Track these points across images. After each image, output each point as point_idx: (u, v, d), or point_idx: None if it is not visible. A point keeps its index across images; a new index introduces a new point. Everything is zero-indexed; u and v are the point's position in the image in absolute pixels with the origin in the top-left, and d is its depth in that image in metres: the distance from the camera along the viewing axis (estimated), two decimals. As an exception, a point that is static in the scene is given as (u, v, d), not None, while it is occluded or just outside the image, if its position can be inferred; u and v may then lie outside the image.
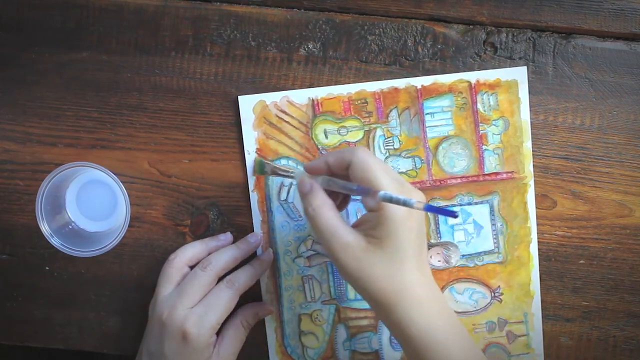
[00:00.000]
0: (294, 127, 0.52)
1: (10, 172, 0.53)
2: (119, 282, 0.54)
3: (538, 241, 0.53)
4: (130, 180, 0.53)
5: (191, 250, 0.50)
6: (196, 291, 0.48)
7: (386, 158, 0.52)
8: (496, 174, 0.52)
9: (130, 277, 0.54)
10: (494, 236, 0.53)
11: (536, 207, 0.52)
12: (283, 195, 0.53)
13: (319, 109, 0.52)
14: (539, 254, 0.53)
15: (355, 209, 0.53)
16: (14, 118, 0.53)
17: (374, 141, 0.52)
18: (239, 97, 0.52)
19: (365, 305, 0.53)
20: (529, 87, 0.52)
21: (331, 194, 0.44)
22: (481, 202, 0.52)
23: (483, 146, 0.52)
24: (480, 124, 0.52)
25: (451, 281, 0.53)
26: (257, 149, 0.52)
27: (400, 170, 0.52)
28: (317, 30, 0.52)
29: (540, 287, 0.53)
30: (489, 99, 0.52)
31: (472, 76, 0.52)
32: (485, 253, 0.53)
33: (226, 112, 0.52)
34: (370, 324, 0.54)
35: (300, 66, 0.52)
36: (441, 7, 0.51)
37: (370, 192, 0.41)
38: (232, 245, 0.51)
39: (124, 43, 0.52)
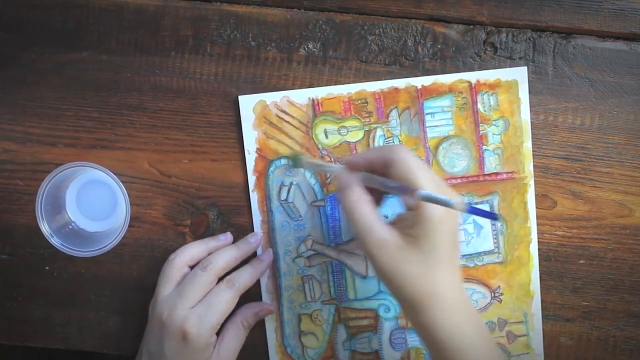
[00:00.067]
0: (294, 127, 0.52)
1: (10, 172, 0.53)
2: (119, 282, 0.54)
3: (538, 241, 0.53)
4: (130, 180, 0.53)
5: (191, 250, 0.50)
6: (196, 291, 0.48)
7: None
8: (496, 174, 0.52)
9: (130, 277, 0.54)
10: (494, 236, 0.53)
11: (536, 207, 0.52)
12: (283, 195, 0.53)
13: (319, 109, 0.52)
14: (539, 254, 0.53)
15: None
16: (14, 118, 0.53)
17: (374, 141, 0.52)
18: (239, 97, 0.52)
19: (365, 305, 0.53)
20: (529, 87, 0.52)
21: (369, 190, 0.44)
22: (481, 202, 0.52)
23: (483, 146, 0.52)
24: (481, 124, 0.52)
25: (451, 281, 0.53)
26: (257, 148, 0.52)
27: (400, 170, 0.52)
28: (317, 30, 0.52)
29: (540, 287, 0.53)
30: (489, 99, 0.52)
31: (472, 76, 0.52)
32: (485, 253, 0.53)
33: (226, 112, 0.52)
34: (370, 324, 0.54)
35: (300, 66, 0.52)
36: (441, 7, 0.51)
37: (409, 190, 0.41)
38: (232, 245, 0.51)
39: (124, 43, 0.52)
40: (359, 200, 0.43)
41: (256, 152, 0.52)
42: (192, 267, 0.50)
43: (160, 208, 0.53)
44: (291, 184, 0.52)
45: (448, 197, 0.39)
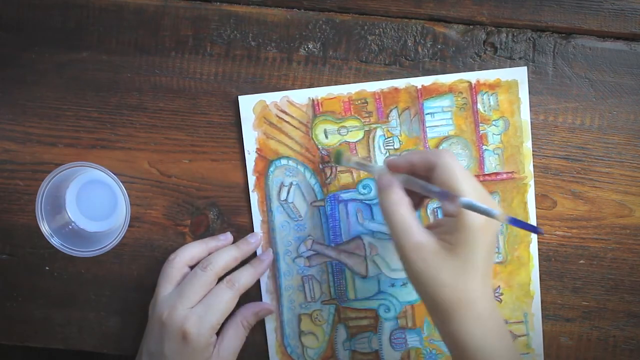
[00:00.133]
0: (294, 127, 0.52)
1: (10, 172, 0.53)
2: (119, 282, 0.54)
3: (538, 241, 0.53)
4: (130, 180, 0.53)
5: (191, 250, 0.50)
6: (196, 291, 0.48)
7: (386, 158, 0.52)
8: (496, 174, 0.52)
9: (130, 277, 0.54)
10: (494, 236, 0.53)
11: (536, 207, 0.52)
12: (283, 195, 0.53)
13: (319, 109, 0.52)
14: (539, 254, 0.53)
15: (355, 208, 0.53)
16: (14, 118, 0.53)
17: (374, 141, 0.52)
18: (239, 97, 0.52)
19: (365, 305, 0.53)
20: (529, 87, 0.52)
21: (407, 193, 0.44)
22: (481, 202, 0.52)
23: (483, 146, 0.52)
24: (481, 124, 0.52)
25: (451, 281, 0.53)
26: (257, 149, 0.52)
27: (400, 170, 0.52)
28: (317, 30, 0.52)
29: (540, 287, 0.53)
30: (489, 99, 0.52)
31: (472, 76, 0.52)
32: (485, 253, 0.53)
33: (226, 112, 0.52)
34: (370, 324, 0.54)
35: (300, 66, 0.52)
36: (441, 7, 0.51)
37: (452, 196, 0.40)
38: (232, 245, 0.51)
39: (124, 43, 0.52)
40: (399, 202, 0.42)
41: (256, 152, 0.52)
42: (192, 267, 0.50)
43: (160, 208, 0.53)
44: (291, 184, 0.52)
45: (490, 206, 0.39)
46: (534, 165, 0.52)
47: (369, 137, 0.52)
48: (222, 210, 0.53)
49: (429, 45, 0.52)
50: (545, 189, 0.52)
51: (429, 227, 0.43)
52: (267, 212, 0.53)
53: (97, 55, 0.52)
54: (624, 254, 0.53)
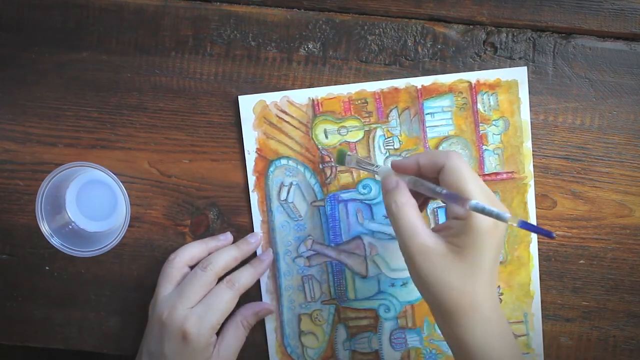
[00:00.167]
0: (294, 127, 0.52)
1: (10, 172, 0.53)
2: (119, 282, 0.54)
3: (538, 241, 0.53)
4: (130, 180, 0.53)
5: (191, 250, 0.50)
6: (196, 291, 0.48)
7: (386, 158, 0.52)
8: (496, 174, 0.52)
9: (130, 277, 0.54)
10: (494, 236, 0.53)
11: (536, 207, 0.52)
12: (283, 195, 0.53)
13: (319, 109, 0.52)
14: (538, 254, 0.53)
15: (355, 208, 0.53)
16: (14, 118, 0.53)
17: (374, 141, 0.52)
18: (239, 97, 0.52)
19: (365, 305, 0.53)
20: (529, 87, 0.52)
21: (413, 195, 0.43)
22: (481, 202, 0.52)
23: (483, 146, 0.52)
24: (481, 124, 0.52)
25: (451, 281, 0.53)
26: (257, 148, 0.52)
27: (400, 170, 0.52)
28: (317, 30, 0.52)
29: (540, 287, 0.53)
30: (489, 99, 0.52)
31: (472, 76, 0.52)
32: (485, 253, 0.53)
33: (226, 112, 0.52)
34: (370, 324, 0.54)
35: (300, 66, 0.52)
36: (441, 7, 0.51)
37: (460, 199, 0.39)
38: (232, 245, 0.51)
39: (124, 43, 0.52)
40: (406, 204, 0.42)
41: (256, 152, 0.52)
42: (192, 267, 0.50)
43: (160, 208, 0.53)
44: (291, 184, 0.52)
45: (499, 209, 0.38)
46: (534, 165, 0.52)
47: (369, 137, 0.52)
48: (222, 210, 0.53)
49: (429, 45, 0.52)
50: (545, 189, 0.52)
51: (435, 230, 0.42)
52: (267, 212, 0.53)
53: (97, 55, 0.52)
54: (624, 254, 0.53)
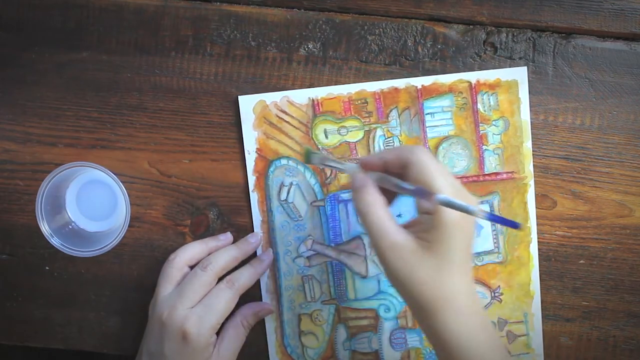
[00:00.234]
0: (294, 127, 0.52)
1: (10, 172, 0.53)
2: (119, 282, 0.54)
3: (538, 241, 0.53)
4: (130, 180, 0.53)
5: (191, 250, 0.50)
6: (196, 291, 0.48)
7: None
8: (496, 174, 0.52)
9: (130, 277, 0.54)
10: (494, 236, 0.53)
11: (536, 207, 0.52)
12: (283, 195, 0.53)
13: (319, 109, 0.52)
14: (539, 254, 0.53)
15: (350, 208, 0.53)
16: (14, 118, 0.53)
17: (374, 141, 0.52)
18: (239, 97, 0.52)
19: (365, 305, 0.53)
20: (529, 87, 0.52)
21: (381, 191, 0.43)
22: (481, 202, 0.52)
23: (483, 146, 0.52)
24: (481, 124, 0.52)
25: (451, 281, 0.53)
26: (257, 149, 0.52)
27: (400, 170, 0.52)
28: (317, 30, 0.52)
29: (540, 287, 0.53)
30: (489, 99, 0.52)
31: (472, 76, 0.52)
32: (485, 253, 0.53)
33: (226, 112, 0.52)
34: (370, 324, 0.54)
35: (300, 66, 0.52)
36: (441, 7, 0.51)
37: (427, 194, 0.39)
38: (232, 245, 0.51)
39: (124, 43, 0.52)
40: (374, 203, 0.42)
41: (256, 152, 0.52)
42: (192, 267, 0.50)
43: (160, 208, 0.53)
44: (291, 184, 0.52)
45: (467, 202, 0.38)
46: (534, 165, 0.52)
47: (369, 137, 0.52)
48: (222, 210, 0.53)
49: (429, 45, 0.52)
50: (545, 189, 0.52)
51: (406, 226, 0.42)
52: (267, 212, 0.53)
53: (97, 55, 0.52)
54: (624, 254, 0.53)
